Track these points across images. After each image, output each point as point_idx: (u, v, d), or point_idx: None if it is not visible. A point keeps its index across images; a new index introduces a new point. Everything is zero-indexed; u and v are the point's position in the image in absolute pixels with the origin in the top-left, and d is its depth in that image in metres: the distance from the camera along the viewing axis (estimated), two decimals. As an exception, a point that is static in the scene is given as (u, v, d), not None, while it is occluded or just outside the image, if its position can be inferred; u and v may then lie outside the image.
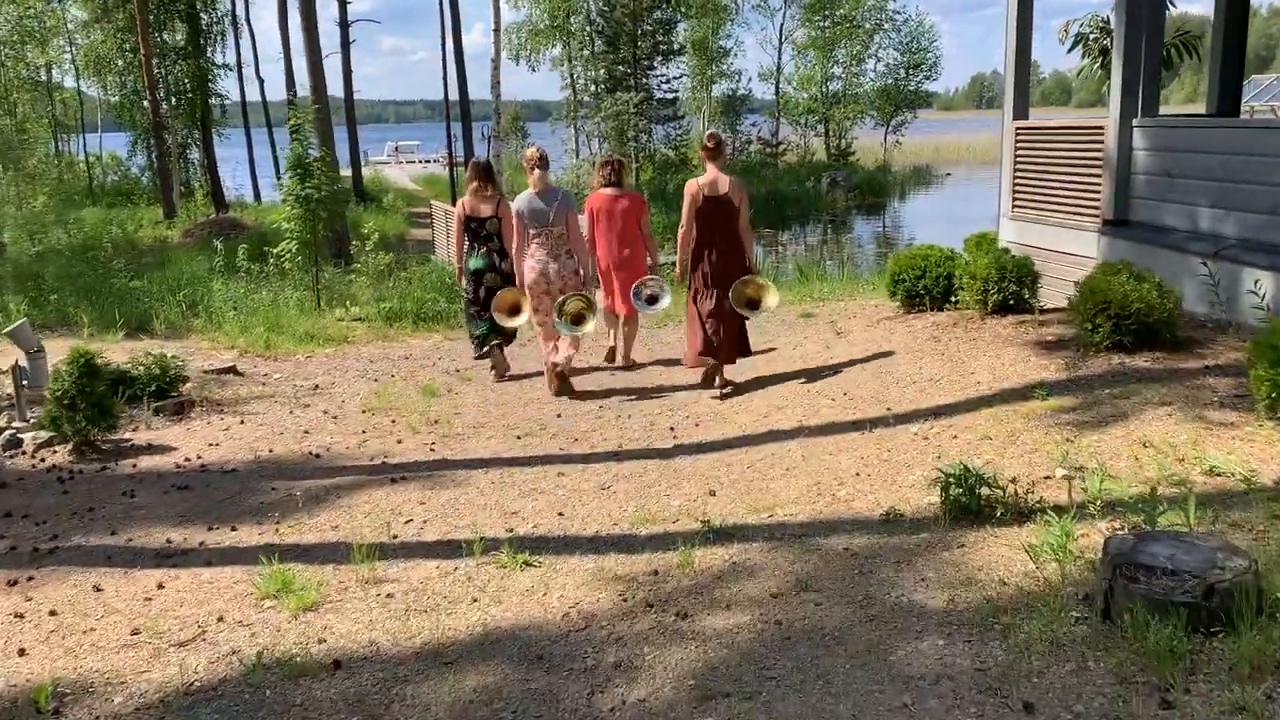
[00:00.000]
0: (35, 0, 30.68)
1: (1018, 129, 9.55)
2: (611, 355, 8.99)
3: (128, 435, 7.40)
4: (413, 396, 8.28)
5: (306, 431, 7.34)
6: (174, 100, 29.91)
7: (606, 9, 33.77)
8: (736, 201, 7.19)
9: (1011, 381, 6.28)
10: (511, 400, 7.95)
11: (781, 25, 43.88)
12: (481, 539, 4.75)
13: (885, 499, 4.82)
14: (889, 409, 6.27)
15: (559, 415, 7.32)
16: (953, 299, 8.63)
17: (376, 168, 51.48)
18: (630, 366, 8.76)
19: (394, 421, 7.46)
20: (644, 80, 33.59)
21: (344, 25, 30.31)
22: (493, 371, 8.78)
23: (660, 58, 34.43)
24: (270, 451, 6.88)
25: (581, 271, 7.81)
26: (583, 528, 4.93)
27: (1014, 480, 4.48)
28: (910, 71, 45.39)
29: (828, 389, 7.04)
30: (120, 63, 30.11)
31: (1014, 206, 9.68)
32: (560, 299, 7.54)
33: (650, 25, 33.89)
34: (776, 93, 44.06)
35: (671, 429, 6.66)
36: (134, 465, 6.69)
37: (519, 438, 6.78)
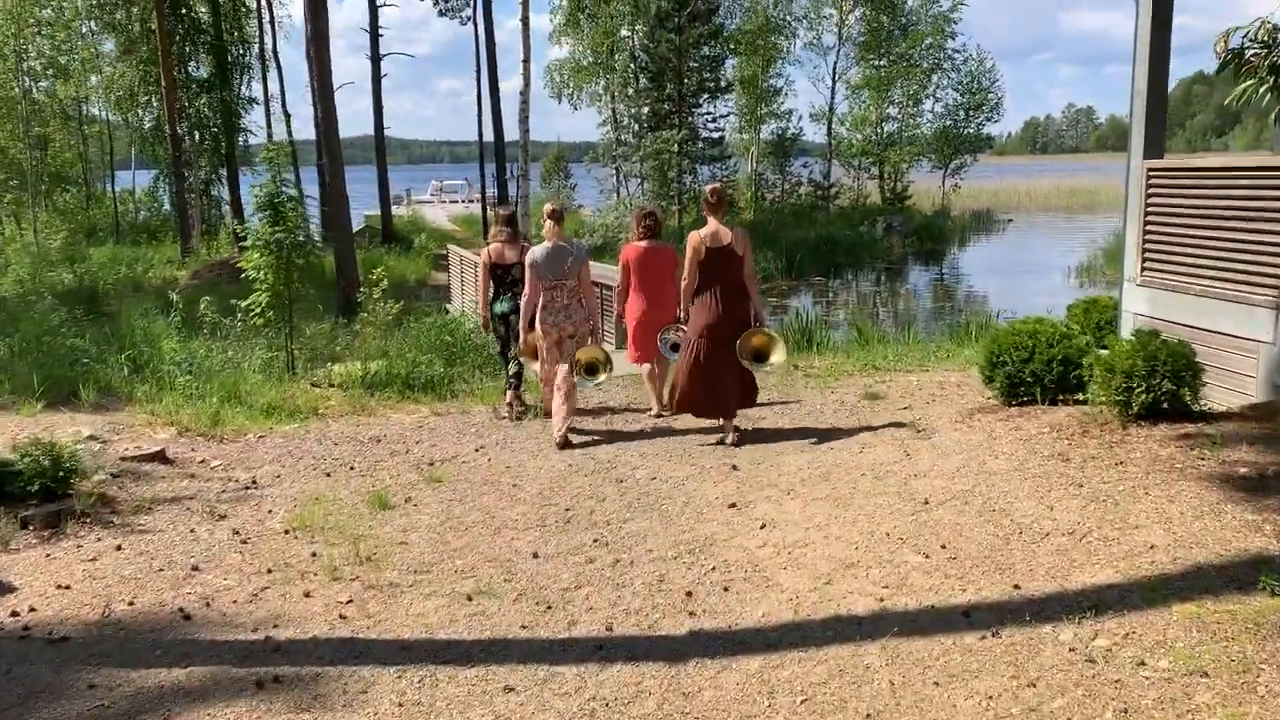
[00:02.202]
0: (58, 30, 29.73)
1: (1151, 171, 7.43)
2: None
3: (-32, 561, 5.50)
4: (357, 508, 6.32)
5: (196, 568, 5.38)
6: (198, 135, 28.61)
7: (651, 44, 32.07)
8: (740, 251, 7.20)
9: (1206, 550, 4.13)
10: (480, 522, 5.93)
11: (835, 64, 41.96)
12: None
13: (1050, 816, 2.72)
14: (1016, 585, 4.15)
15: (535, 555, 5.28)
16: (1079, 395, 6.52)
17: (416, 207, 50.33)
18: (661, 413, 8.51)
19: (315, 555, 5.47)
20: (689, 118, 31.76)
21: (375, 59, 28.88)
22: (507, 409, 8.83)
23: (707, 95, 32.59)
24: (131, 604, 4.92)
25: (590, 321, 7.92)
26: (515, 840, 2.87)
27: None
28: (970, 113, 43.13)
29: (916, 534, 4.93)
30: (143, 96, 28.92)
31: (1144, 269, 7.52)
32: (574, 351, 7.69)
33: (697, 62, 32.15)
34: (829, 133, 42.01)
35: (689, 594, 4.58)
36: (-59, 620, 4.78)
37: (470, 598, 4.75)
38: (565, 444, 7.60)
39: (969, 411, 7.32)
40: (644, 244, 8.33)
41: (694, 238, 7.24)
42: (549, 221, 7.84)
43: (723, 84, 33.52)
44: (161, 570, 5.36)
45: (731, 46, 35.89)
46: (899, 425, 7.34)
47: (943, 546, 4.71)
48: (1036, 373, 6.83)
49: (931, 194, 43.52)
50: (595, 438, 7.99)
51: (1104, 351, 7.50)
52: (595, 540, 5.45)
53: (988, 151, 47.18)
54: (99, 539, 5.89)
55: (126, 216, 36.75)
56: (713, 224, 7.25)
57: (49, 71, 31.81)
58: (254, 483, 7.15)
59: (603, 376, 7.85)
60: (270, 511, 6.41)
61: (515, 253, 8.46)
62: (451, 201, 59.56)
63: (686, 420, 8.15)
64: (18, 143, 30.35)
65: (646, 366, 8.69)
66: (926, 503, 5.34)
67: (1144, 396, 5.74)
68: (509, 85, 41.24)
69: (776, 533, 5.27)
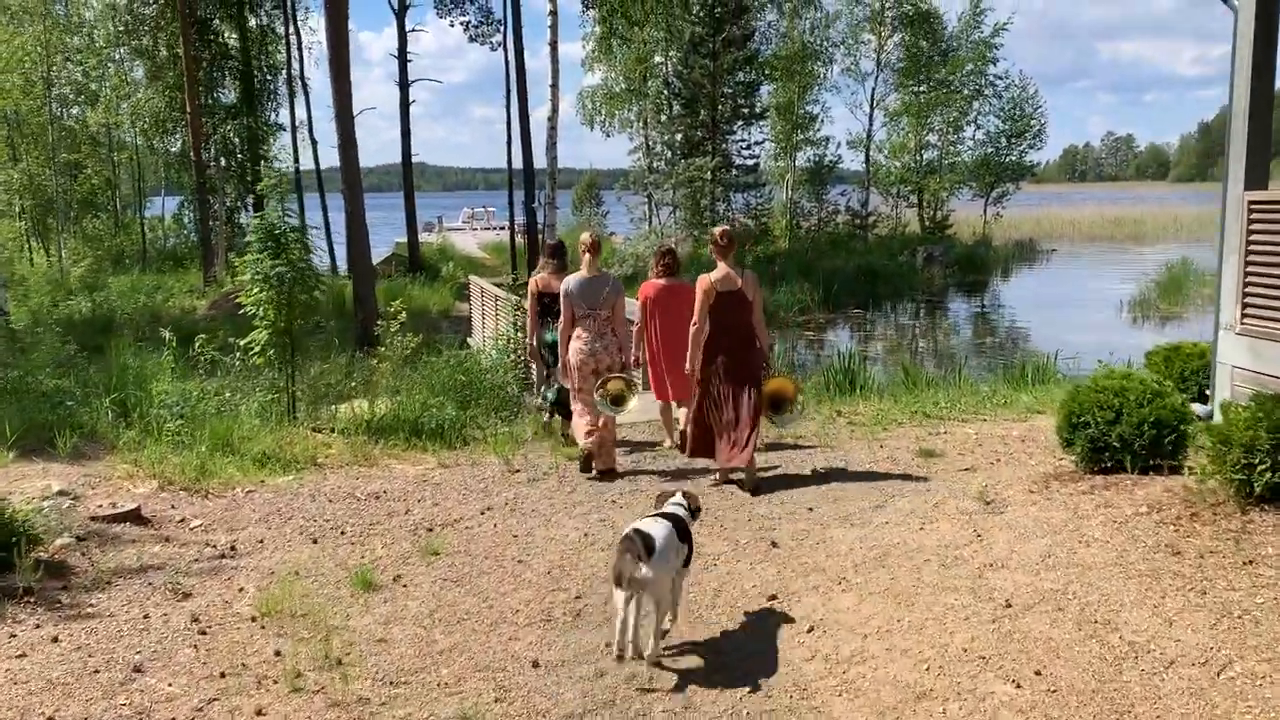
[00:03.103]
0: (89, 57, 29.54)
1: (1254, 204, 6.48)
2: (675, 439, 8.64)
3: (-118, 654, 4.72)
4: (339, 588, 5.50)
5: (139, 668, 4.56)
6: (223, 161, 28.20)
7: (685, 70, 31.37)
8: (750, 295, 7.15)
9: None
10: (476, 612, 5.07)
11: (873, 90, 40.96)
12: None
13: None
14: (1145, 742, 3.22)
15: (535, 664, 4.40)
16: (1175, 461, 5.57)
17: (446, 234, 49.92)
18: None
19: (279, 654, 4.63)
20: (722, 145, 30.95)
21: (404, 85, 28.36)
22: (543, 427, 9.26)
23: (741, 121, 31.78)
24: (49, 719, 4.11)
25: (623, 352, 7.95)
26: None
27: None
28: (1012, 140, 42.00)
29: (1000, 651, 4.00)
30: (169, 122, 28.58)
31: (1245, 316, 6.57)
32: (602, 378, 7.65)
33: (731, 88, 31.39)
34: (866, 161, 40.99)
35: (719, 735, 3.69)
36: None
37: (451, 729, 3.88)
38: (588, 467, 7.75)
39: (1044, 478, 6.37)
40: (662, 281, 8.38)
41: (704, 281, 7.14)
42: (586, 253, 7.88)
43: (758, 110, 32.70)
44: (97, 672, 4.54)
45: (767, 72, 35.10)
46: (963, 492, 6.40)
47: (1037, 673, 3.77)
48: (1125, 437, 5.89)
49: (972, 223, 42.34)
50: (615, 495, 7.16)
51: (1199, 407, 6.56)
52: (609, 643, 4.57)
53: (1028, 179, 45.91)
54: (38, 625, 5.09)
55: (156, 243, 36.46)
56: (723, 267, 7.14)
57: (80, 98, 31.69)
58: (232, 549, 6.36)
59: (631, 403, 7.70)
60: (241, 590, 5.60)
61: (560, 283, 8.53)
62: (484, 229, 59.14)
63: (716, 478, 7.34)
64: (45, 169, 30.15)
65: (673, 406, 8.63)
66: (1009, 605, 4.40)
67: (1269, 475, 4.78)
68: (540, 112, 40.83)
69: (827, 640, 4.36)
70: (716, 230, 7.40)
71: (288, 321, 9.69)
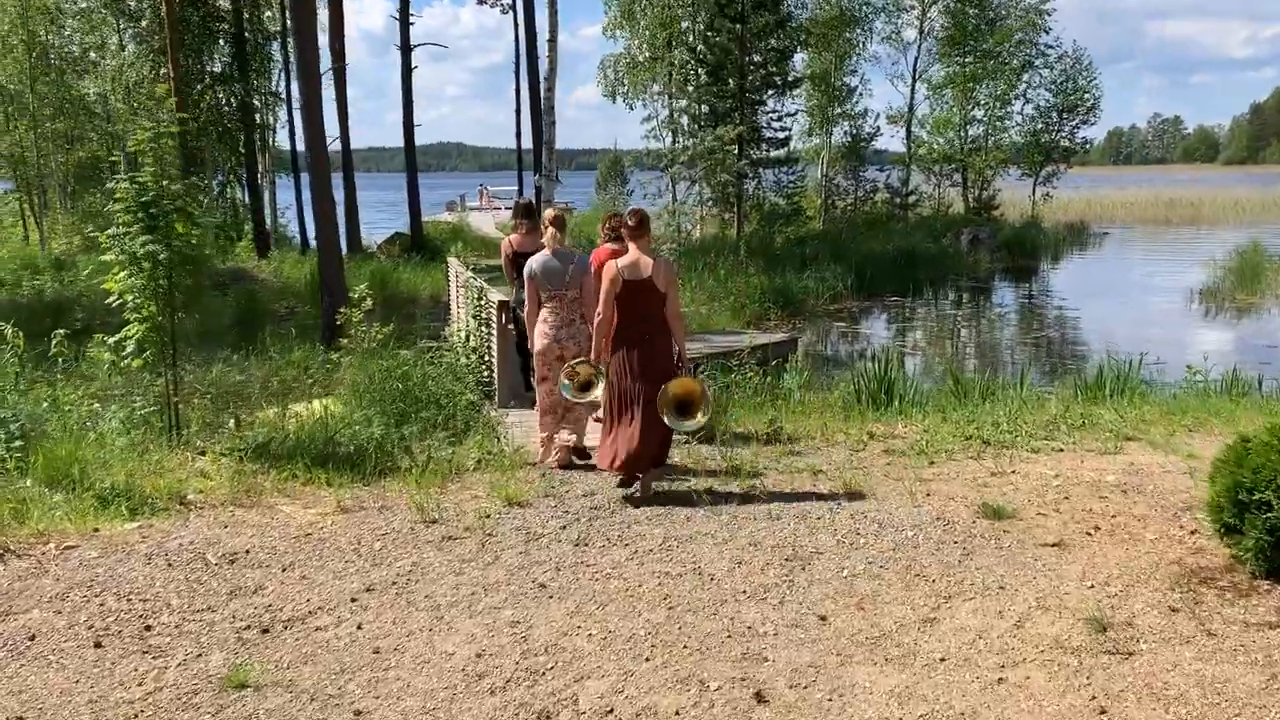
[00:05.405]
0: (82, 23, 27.68)
1: None
2: None
3: None
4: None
5: None
6: (213, 132, 26.22)
7: (711, 35, 28.93)
8: (662, 286, 6.47)
9: None
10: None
11: (915, 60, 38.19)
12: None
13: None
14: None
15: None
16: None
17: (464, 213, 48.26)
18: None
19: None
20: (751, 115, 28.48)
21: (405, 49, 26.17)
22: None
23: (772, 91, 29.27)
24: None
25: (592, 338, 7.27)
26: None
27: None
28: (1064, 115, 39.03)
29: None
30: (154, 90, 26.70)
31: None
32: (570, 364, 6.94)
33: (761, 55, 28.92)
34: (908, 136, 38.30)
35: None
36: None
37: None
38: (568, 465, 7.26)
39: (1183, 577, 4.10)
40: (610, 246, 7.69)
41: (610, 268, 6.56)
42: (550, 228, 7.42)
43: (790, 79, 30.19)
44: None
45: (801, 39, 32.50)
46: (1058, 597, 4.15)
47: None
48: (1332, 529, 3.62)
49: (1019, 204, 39.61)
50: (549, 572, 4.96)
51: None
52: None
53: (1090, 154, 42.89)
54: None
55: (159, 219, 34.74)
56: (633, 252, 6.54)
57: (66, 64, 29.91)
58: (-20, 656, 4.29)
59: (597, 392, 6.73)
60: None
61: (534, 241, 8.23)
62: (507, 208, 57.23)
63: (693, 550, 5.14)
64: (28, 139, 28.42)
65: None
66: None
67: None
68: (575, 98, 38.44)
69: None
70: (628, 212, 6.91)
71: (168, 314, 7.60)
